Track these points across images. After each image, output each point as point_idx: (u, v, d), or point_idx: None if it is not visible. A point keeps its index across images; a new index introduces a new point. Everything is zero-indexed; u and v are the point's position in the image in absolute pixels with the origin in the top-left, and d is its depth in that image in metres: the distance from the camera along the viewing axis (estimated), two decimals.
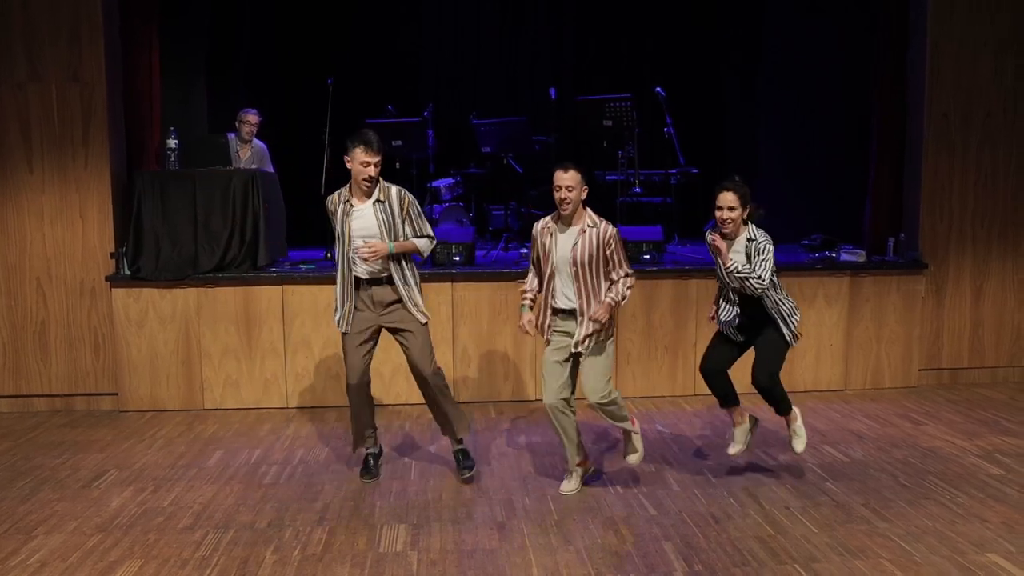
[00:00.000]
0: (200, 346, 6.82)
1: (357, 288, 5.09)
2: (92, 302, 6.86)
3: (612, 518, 4.70)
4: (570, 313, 4.82)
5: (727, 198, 4.88)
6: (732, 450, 5.25)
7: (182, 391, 6.85)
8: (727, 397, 5.21)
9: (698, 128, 9.61)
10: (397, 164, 8.12)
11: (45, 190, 6.78)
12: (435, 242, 5.30)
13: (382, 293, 5.08)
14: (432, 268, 7.00)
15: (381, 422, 6.51)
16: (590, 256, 4.75)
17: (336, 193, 5.13)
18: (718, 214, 4.91)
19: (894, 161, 7.58)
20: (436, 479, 5.32)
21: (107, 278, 6.79)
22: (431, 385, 5.19)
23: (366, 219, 5.02)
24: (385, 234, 5.02)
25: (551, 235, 4.85)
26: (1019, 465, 5.45)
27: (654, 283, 6.97)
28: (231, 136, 7.60)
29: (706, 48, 10.22)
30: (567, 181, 4.71)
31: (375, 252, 4.94)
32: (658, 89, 8.15)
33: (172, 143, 6.94)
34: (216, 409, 6.86)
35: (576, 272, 4.76)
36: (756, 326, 5.06)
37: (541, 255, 4.90)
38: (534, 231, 4.97)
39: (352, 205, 5.04)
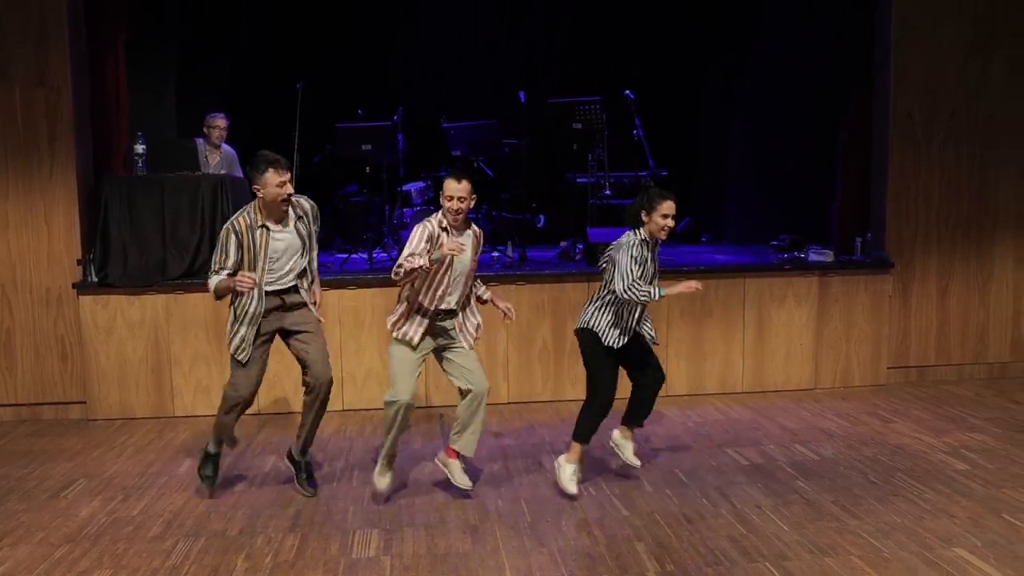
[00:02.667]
0: (170, 353, 6.76)
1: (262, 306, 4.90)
2: (59, 310, 6.78)
3: (585, 520, 4.71)
4: (449, 313, 4.94)
5: (673, 206, 4.86)
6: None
7: (152, 398, 6.79)
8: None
9: (669, 130, 9.64)
10: (368, 168, 8.09)
11: (9, 196, 6.69)
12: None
13: (294, 297, 4.98)
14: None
15: (353, 426, 6.50)
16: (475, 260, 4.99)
17: (239, 219, 4.82)
18: (664, 222, 4.84)
19: (861, 161, 7.66)
20: (408, 484, 5.31)
21: (74, 285, 6.72)
22: (327, 392, 5.01)
23: (288, 240, 4.87)
24: (305, 249, 4.94)
25: (446, 239, 4.79)
26: (985, 461, 5.53)
27: None
28: (200, 141, 7.54)
29: (677, 51, 10.25)
30: (460, 191, 4.76)
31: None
32: (627, 92, 8.18)
33: (140, 148, 6.87)
34: (187, 416, 6.80)
35: (467, 275, 4.93)
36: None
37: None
38: (431, 231, 4.77)
39: (269, 228, 4.81)
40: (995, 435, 6.06)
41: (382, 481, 4.98)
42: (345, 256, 7.76)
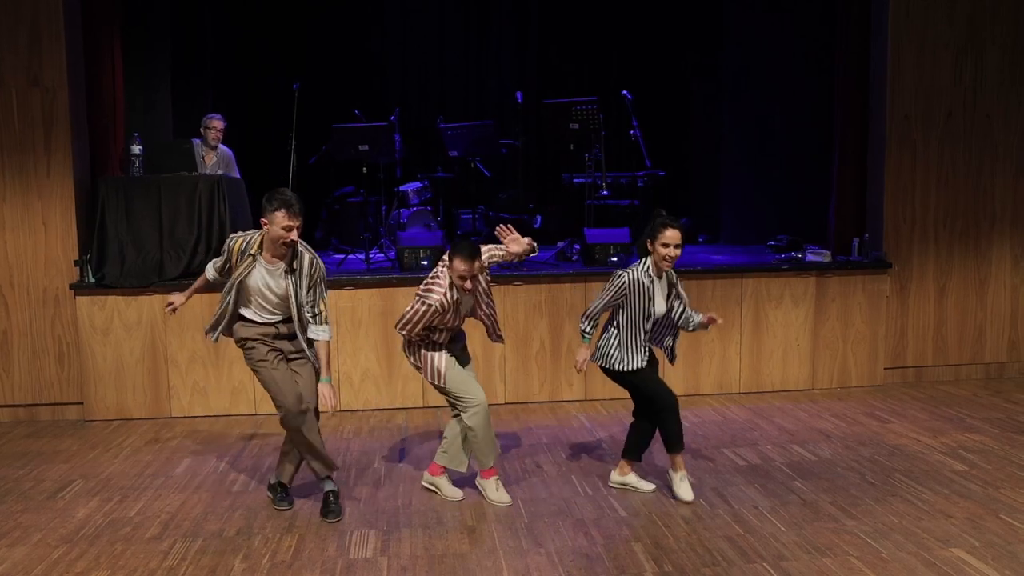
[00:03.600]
0: (167, 354, 6.75)
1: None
2: (56, 310, 6.77)
3: (582, 520, 4.71)
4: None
5: (677, 236, 4.78)
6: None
7: (149, 399, 6.78)
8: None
9: (663, 131, 9.67)
10: (364, 169, 8.09)
11: (6, 197, 6.68)
12: (328, 324, 4.85)
13: (285, 328, 4.81)
14: (400, 273, 6.99)
15: (350, 427, 6.49)
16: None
17: (245, 239, 4.73)
18: (666, 252, 4.77)
19: (857, 162, 7.66)
20: (405, 484, 5.30)
21: (71, 286, 6.70)
22: (316, 417, 4.83)
23: (275, 282, 4.69)
24: (290, 300, 4.69)
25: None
26: (983, 461, 5.54)
27: None
28: (196, 142, 7.53)
29: (671, 51, 10.29)
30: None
31: (333, 405, 4.72)
32: (625, 92, 8.18)
33: (136, 149, 6.86)
34: (184, 417, 6.79)
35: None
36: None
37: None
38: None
39: (256, 260, 4.68)
40: (993, 435, 6.06)
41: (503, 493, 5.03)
42: (342, 257, 7.76)
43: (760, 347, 7.23)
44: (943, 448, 5.81)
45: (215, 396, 6.81)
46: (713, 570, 4.12)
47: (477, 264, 4.74)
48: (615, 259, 7.18)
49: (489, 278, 5.05)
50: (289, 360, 4.81)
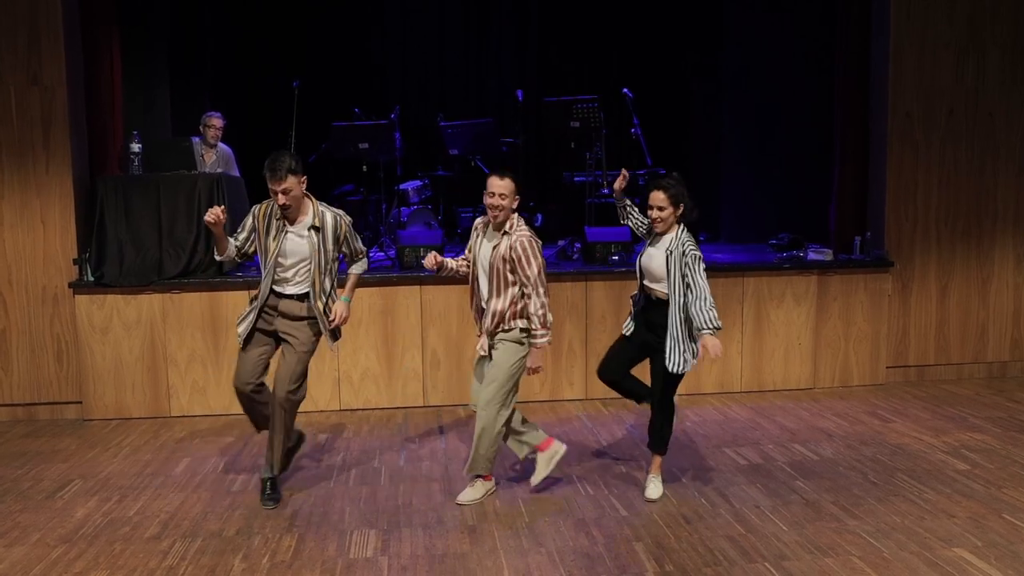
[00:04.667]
0: (166, 352, 6.73)
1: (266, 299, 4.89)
2: (55, 309, 6.75)
3: (583, 520, 4.69)
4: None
5: (658, 196, 4.73)
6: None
7: (148, 398, 6.76)
8: (639, 393, 5.14)
9: (666, 129, 9.65)
10: (364, 167, 8.07)
11: (4, 195, 6.65)
12: (368, 257, 5.17)
13: (293, 307, 4.88)
14: (400, 271, 6.96)
15: (350, 426, 6.47)
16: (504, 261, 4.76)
17: (267, 204, 4.83)
18: (651, 213, 4.77)
19: (859, 160, 7.64)
20: (406, 484, 5.28)
21: (70, 284, 6.68)
22: (279, 411, 4.85)
23: (298, 244, 4.79)
24: (318, 260, 4.81)
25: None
26: (985, 461, 5.52)
27: (623, 284, 6.96)
28: (196, 140, 7.51)
29: (670, 49, 10.27)
30: (501, 188, 4.73)
31: (343, 319, 4.90)
32: (625, 90, 8.17)
33: (135, 147, 6.84)
34: (183, 416, 6.77)
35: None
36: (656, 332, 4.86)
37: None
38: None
39: (285, 225, 4.79)
40: (995, 435, 6.04)
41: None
42: (342, 256, 7.72)
43: (762, 346, 7.21)
44: (945, 447, 5.79)
45: (214, 395, 6.79)
46: (715, 570, 4.10)
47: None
48: (616, 258, 7.16)
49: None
50: (279, 341, 4.90)
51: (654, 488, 4.97)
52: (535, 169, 9.94)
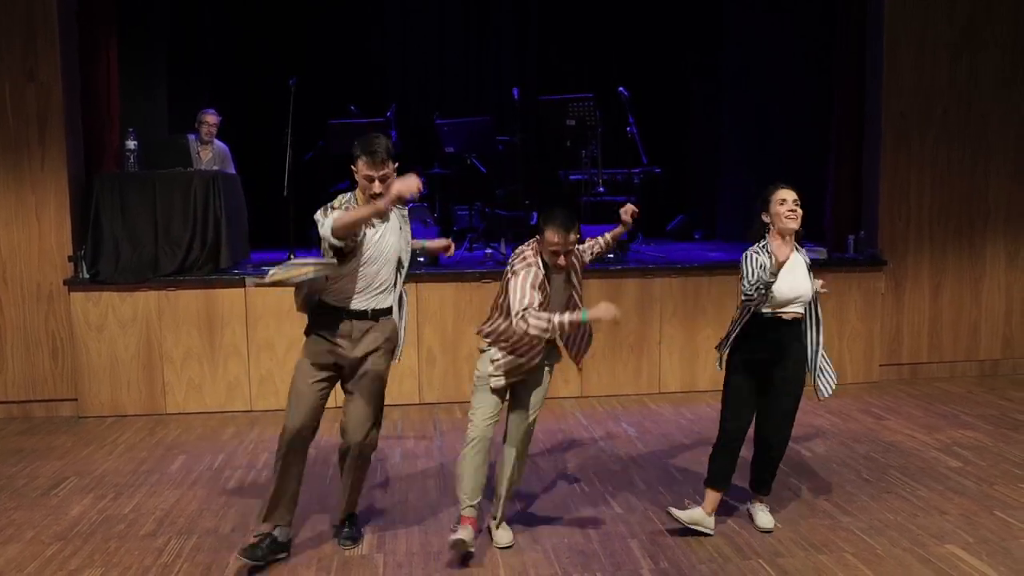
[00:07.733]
0: (162, 350, 6.73)
1: (338, 318, 4.14)
2: (50, 306, 6.75)
3: (579, 517, 4.71)
4: None
5: (792, 194, 4.51)
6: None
7: (143, 396, 6.76)
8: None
9: (662, 128, 9.66)
10: None
11: None
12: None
13: (356, 325, 4.16)
14: None
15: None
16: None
17: (349, 197, 4.08)
18: (783, 208, 4.48)
19: (854, 160, 7.67)
20: (402, 481, 5.30)
21: (65, 281, 6.68)
22: (357, 456, 4.30)
23: (388, 242, 4.11)
24: (401, 257, 4.18)
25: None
26: (977, 458, 5.54)
27: (618, 282, 6.99)
28: (192, 137, 7.52)
29: (669, 48, 10.29)
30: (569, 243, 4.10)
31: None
32: (621, 89, 8.17)
33: (131, 144, 6.85)
34: (179, 413, 6.77)
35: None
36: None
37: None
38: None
39: (372, 223, 4.03)
40: (987, 432, 6.07)
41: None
42: None
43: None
44: (938, 445, 5.82)
45: (210, 392, 6.80)
46: (709, 567, 4.12)
47: (573, 236, 4.05)
48: (611, 256, 7.17)
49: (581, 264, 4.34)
50: (345, 380, 4.23)
51: (767, 516, 4.57)
52: (531, 167, 9.95)
